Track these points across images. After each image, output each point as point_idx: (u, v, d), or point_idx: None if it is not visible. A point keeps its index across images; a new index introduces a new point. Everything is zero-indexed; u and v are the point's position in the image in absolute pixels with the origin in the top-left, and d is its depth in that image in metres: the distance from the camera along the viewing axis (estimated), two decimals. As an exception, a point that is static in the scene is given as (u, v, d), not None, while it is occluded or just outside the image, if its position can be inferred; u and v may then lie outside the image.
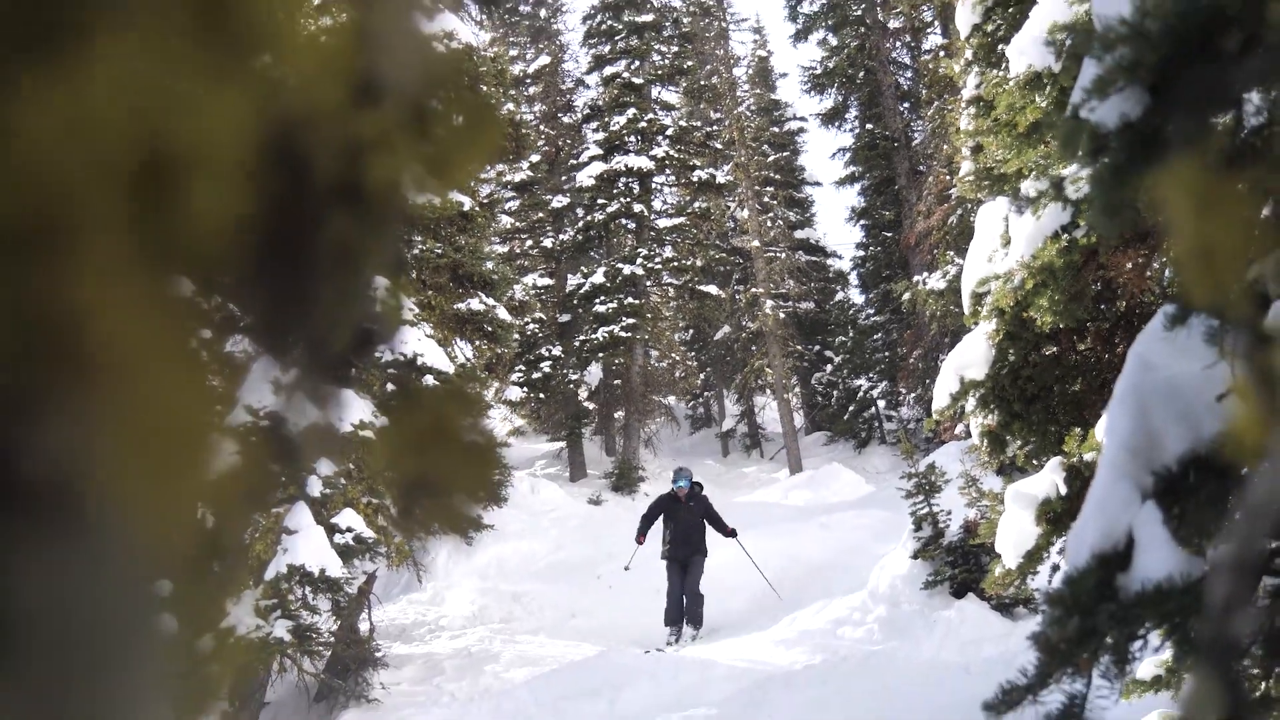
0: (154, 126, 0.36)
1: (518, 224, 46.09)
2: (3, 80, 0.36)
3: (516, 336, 31.65)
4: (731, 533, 23.17)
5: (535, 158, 45.48)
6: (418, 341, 21.11)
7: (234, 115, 0.38)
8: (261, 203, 0.46)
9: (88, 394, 0.37)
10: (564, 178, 46.87)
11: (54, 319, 0.36)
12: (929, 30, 43.57)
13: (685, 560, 22.33)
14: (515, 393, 39.01)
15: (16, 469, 0.37)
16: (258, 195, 0.45)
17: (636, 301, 43.16)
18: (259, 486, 0.87)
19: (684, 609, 21.79)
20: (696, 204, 47.27)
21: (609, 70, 45.98)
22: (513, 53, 47.73)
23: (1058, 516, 10.64)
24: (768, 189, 51.12)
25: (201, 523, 0.49)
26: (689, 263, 47.14)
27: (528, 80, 49.29)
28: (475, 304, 27.43)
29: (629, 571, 23.77)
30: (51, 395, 0.37)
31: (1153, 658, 5.03)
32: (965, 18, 15.23)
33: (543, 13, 52.09)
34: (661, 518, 23.25)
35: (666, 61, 46.56)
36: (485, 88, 28.47)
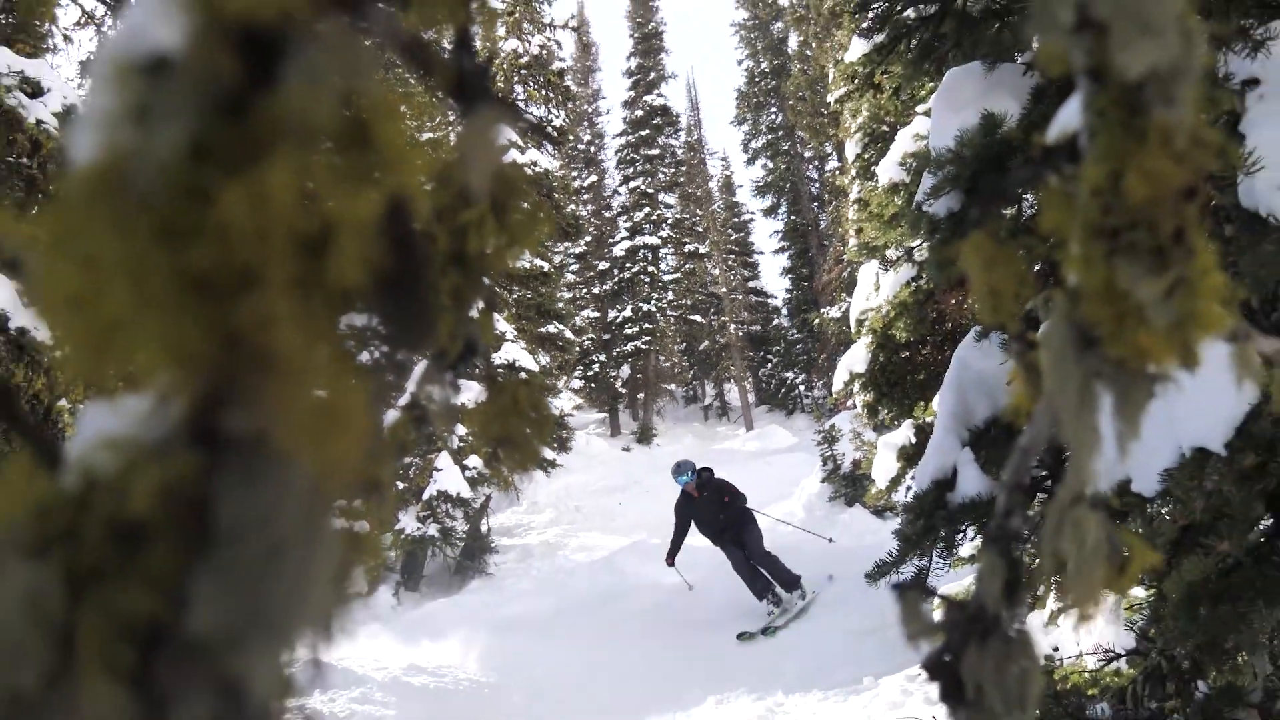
0: (315, 210, 0.35)
1: (577, 279, 46.24)
2: (220, 181, 0.35)
3: (577, 349, 31.86)
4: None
5: (588, 238, 45.92)
6: (517, 352, 21.18)
7: (370, 205, 0.37)
8: (405, 263, 0.45)
9: (272, 381, 0.36)
10: (605, 250, 47.01)
11: (250, 334, 0.35)
12: (829, 158, 43.53)
13: (736, 536, 14.41)
14: (576, 384, 39.32)
15: (228, 431, 0.36)
16: (401, 258, 0.44)
17: (651, 326, 44.01)
18: (406, 440, 0.86)
19: (767, 576, 14.06)
20: (687, 266, 48.07)
21: (632, 184, 46.42)
22: (574, 173, 47.91)
23: (910, 457, 10.59)
24: (730, 256, 51.17)
25: (369, 462, 0.48)
26: (683, 302, 47.95)
27: (582, 190, 49.44)
28: (551, 329, 27.56)
29: (692, 589, 17.04)
30: (250, 382, 0.36)
31: (970, 544, 5.01)
32: (851, 150, 15.40)
33: (591, 148, 52.20)
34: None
35: (667, 178, 46.85)
36: (557, 195, 28.76)
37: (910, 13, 4.99)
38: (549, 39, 31.52)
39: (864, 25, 5.52)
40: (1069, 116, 0.82)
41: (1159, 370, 0.80)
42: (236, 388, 0.36)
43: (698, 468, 15.23)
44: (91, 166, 0.36)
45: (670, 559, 15.42)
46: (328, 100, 0.36)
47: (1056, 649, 6.20)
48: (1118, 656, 4.80)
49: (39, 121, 10.78)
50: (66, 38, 13.09)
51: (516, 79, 29.39)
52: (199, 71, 0.36)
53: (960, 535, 4.43)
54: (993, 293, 0.90)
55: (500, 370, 0.99)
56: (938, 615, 0.92)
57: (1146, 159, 0.72)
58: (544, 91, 30.25)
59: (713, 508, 14.82)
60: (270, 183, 0.34)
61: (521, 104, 28.97)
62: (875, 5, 5.21)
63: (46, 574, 0.37)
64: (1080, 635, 6.42)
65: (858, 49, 12.90)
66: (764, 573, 14.23)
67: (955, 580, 10.02)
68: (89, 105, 0.38)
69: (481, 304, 0.86)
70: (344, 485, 0.41)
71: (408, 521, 19.97)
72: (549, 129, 29.37)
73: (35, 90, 10.86)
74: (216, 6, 0.34)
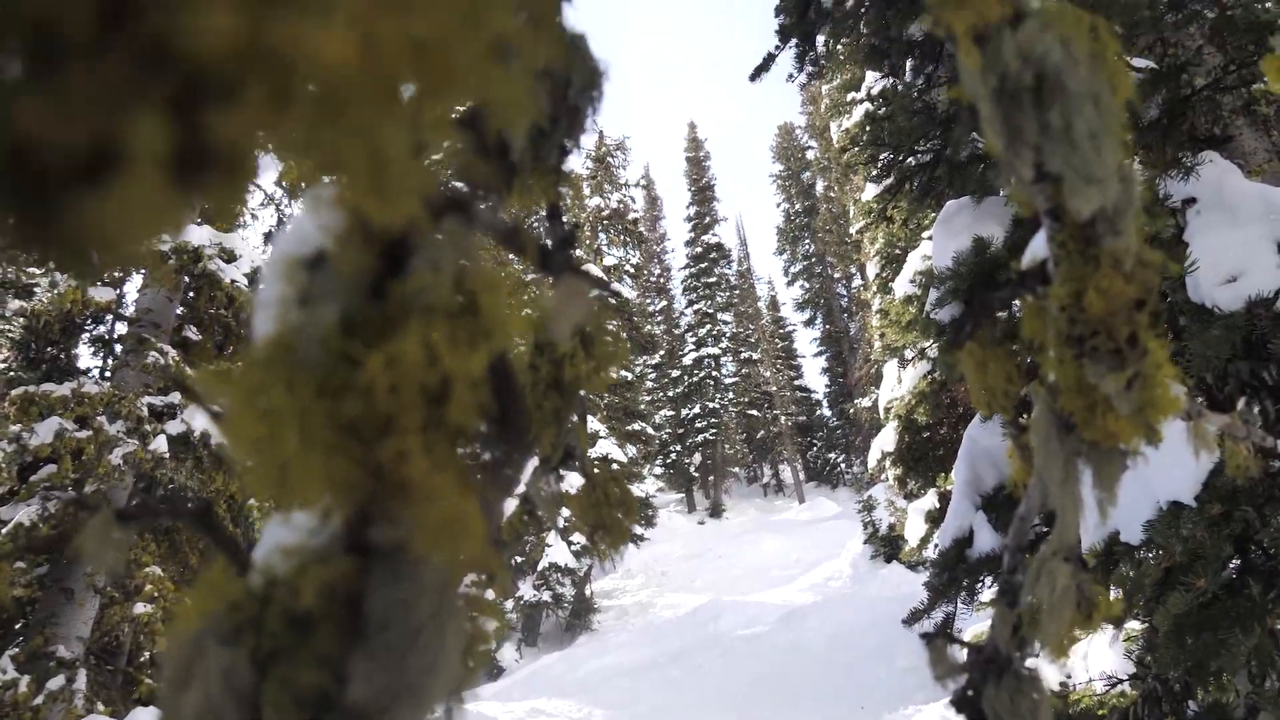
0: (437, 368, 0.37)
1: (655, 385, 46.28)
2: (364, 349, 0.36)
3: (657, 442, 31.92)
4: None
5: (661, 351, 46.15)
6: (609, 447, 21.22)
7: (478, 362, 0.38)
8: (507, 402, 0.46)
9: (408, 502, 0.37)
10: (676, 360, 47.11)
11: (390, 467, 0.36)
12: (854, 277, 43.57)
13: None
14: (658, 470, 39.33)
15: (375, 540, 0.37)
16: (504, 399, 0.45)
17: (716, 421, 43.72)
18: (522, 527, 0.87)
19: None
20: (743, 370, 48.00)
21: (695, 306, 46.57)
22: (648, 300, 48.34)
23: (935, 519, 10.39)
24: (778, 360, 51.11)
25: (488, 557, 0.49)
26: (742, 400, 47.79)
27: (656, 313, 49.76)
28: (636, 426, 27.60)
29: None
30: (391, 503, 0.37)
31: (989, 591, 4.88)
32: (872, 270, 15.38)
33: (661, 279, 52.68)
34: None
35: (724, 300, 46.93)
36: (637, 318, 29.17)
37: (911, 161, 5.03)
38: (625, 195, 32.17)
39: (874, 173, 5.55)
40: (1038, 246, 0.83)
41: (1129, 447, 0.80)
42: (381, 507, 0.37)
43: None
44: (268, 340, 0.38)
45: None
46: (445, 283, 0.38)
47: (1070, 677, 6.00)
48: (1120, 681, 4.63)
49: (233, 281, 11.24)
50: (253, 215, 13.69)
51: (600, 228, 29.96)
52: (347, 265, 0.38)
53: (979, 584, 4.33)
54: (986, 390, 0.91)
55: (595, 463, 1.01)
56: (961, 657, 0.91)
57: (1101, 280, 0.73)
58: (622, 237, 30.80)
59: None
60: (403, 350, 0.36)
61: (605, 248, 29.51)
62: (883, 157, 5.25)
63: (238, 655, 0.38)
64: (1089, 664, 6.19)
65: (871, 190, 12.97)
66: None
67: (978, 622, 9.76)
68: (265, 291, 0.41)
69: (576, 418, 0.88)
70: (467, 578, 0.43)
71: (526, 589, 20.02)
72: (626, 267, 29.77)
73: (230, 257, 11.31)
74: (361, 218, 0.36)
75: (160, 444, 10.15)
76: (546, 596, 20.33)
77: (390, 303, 0.37)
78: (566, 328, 0.60)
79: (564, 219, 0.74)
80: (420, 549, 0.37)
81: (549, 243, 0.58)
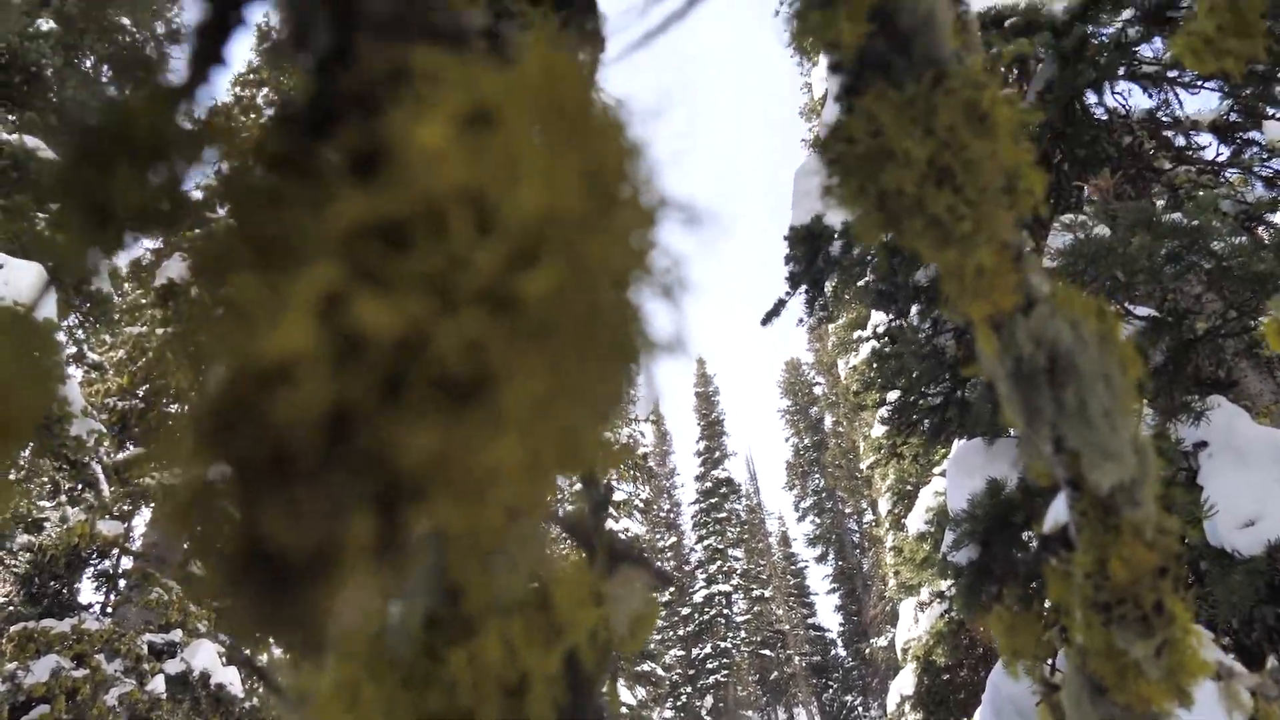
0: (515, 661, 0.39)
1: (664, 623, 45.25)
2: (447, 646, 0.39)
3: (667, 683, 30.90)
4: None
5: (671, 588, 45.34)
6: (624, 692, 20.60)
7: (554, 660, 0.41)
8: (586, 684, 0.48)
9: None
10: (686, 597, 46.21)
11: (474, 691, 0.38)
12: (865, 512, 43.34)
13: None
14: (668, 713, 37.95)
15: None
16: (582, 681, 0.47)
17: (728, 661, 42.49)
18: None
19: None
20: (755, 608, 46.90)
21: (705, 542, 46.10)
22: (658, 535, 47.94)
23: (961, 770, 9.94)
24: (790, 598, 50.14)
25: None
26: (754, 639, 46.52)
27: (665, 549, 49.22)
28: (645, 667, 26.81)
29: None
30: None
31: None
32: (883, 506, 15.35)
33: (670, 514, 52.43)
34: None
35: (734, 536, 46.50)
36: (646, 554, 28.90)
37: (921, 403, 5.12)
38: (634, 430, 32.48)
39: (885, 414, 5.64)
40: (1059, 511, 0.86)
41: (1161, 711, 0.80)
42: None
43: None
44: (353, 634, 0.41)
45: None
46: (522, 581, 0.41)
47: None
48: None
49: (239, 518, 11.23)
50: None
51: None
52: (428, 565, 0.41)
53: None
54: (1015, 653, 0.91)
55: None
56: None
57: (1123, 548, 0.75)
58: (632, 472, 30.89)
59: None
60: (484, 649, 0.38)
61: (615, 484, 29.56)
62: (893, 397, 5.35)
63: None
64: None
65: (880, 427, 13.14)
66: None
67: None
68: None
69: (607, 679, 0.89)
70: None
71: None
72: (636, 502, 29.72)
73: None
74: (446, 527, 0.40)
75: (158, 684, 9.89)
76: None
77: (471, 600, 0.40)
78: (625, 618, 0.62)
79: (599, 486, 0.78)
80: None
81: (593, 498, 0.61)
